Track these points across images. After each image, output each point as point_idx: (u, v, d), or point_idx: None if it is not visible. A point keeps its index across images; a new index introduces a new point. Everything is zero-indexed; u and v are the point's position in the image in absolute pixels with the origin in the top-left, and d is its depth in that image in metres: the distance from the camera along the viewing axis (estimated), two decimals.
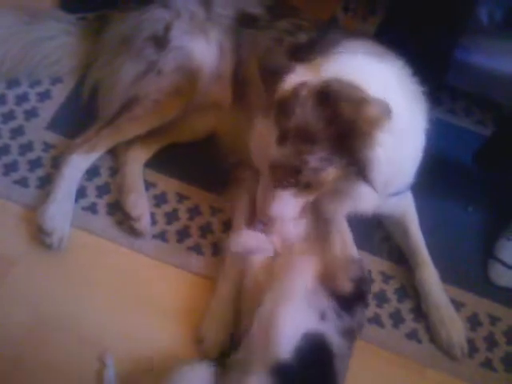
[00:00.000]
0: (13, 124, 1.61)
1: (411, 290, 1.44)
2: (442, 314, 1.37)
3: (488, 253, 1.51)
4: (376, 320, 1.40)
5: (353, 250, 1.34)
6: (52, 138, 1.60)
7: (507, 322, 1.43)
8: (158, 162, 1.57)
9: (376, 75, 1.10)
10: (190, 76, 1.47)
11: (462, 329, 1.37)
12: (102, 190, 1.53)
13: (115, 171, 1.54)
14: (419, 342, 1.38)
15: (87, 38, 1.64)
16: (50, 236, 1.39)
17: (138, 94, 1.46)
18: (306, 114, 1.04)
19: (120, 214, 1.47)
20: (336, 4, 1.75)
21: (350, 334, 1.20)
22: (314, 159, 1.05)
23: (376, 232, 1.53)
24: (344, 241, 1.32)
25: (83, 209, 1.49)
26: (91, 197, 1.51)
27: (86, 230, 1.46)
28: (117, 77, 1.49)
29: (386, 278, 1.47)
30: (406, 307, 1.43)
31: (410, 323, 1.41)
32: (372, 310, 1.41)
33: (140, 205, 1.46)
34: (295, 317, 1.16)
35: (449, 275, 1.43)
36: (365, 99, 1.01)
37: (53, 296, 1.37)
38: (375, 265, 1.48)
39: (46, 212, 1.40)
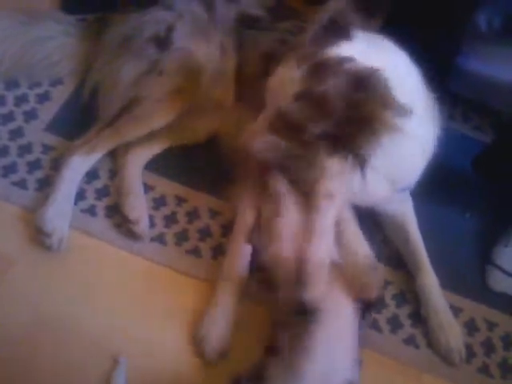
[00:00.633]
0: (12, 125, 1.61)
1: (410, 296, 1.44)
2: (440, 320, 1.37)
3: (486, 259, 1.52)
4: (374, 325, 1.40)
5: (367, 251, 1.27)
6: (51, 139, 1.59)
7: (504, 327, 1.44)
8: (157, 165, 1.57)
9: (408, 74, 1.15)
10: (191, 77, 1.47)
11: (461, 334, 1.37)
12: (101, 193, 1.52)
13: (114, 174, 1.54)
14: (417, 347, 1.38)
15: (87, 40, 1.64)
16: (50, 237, 1.39)
17: (139, 94, 1.46)
18: (336, 88, 1.03)
19: (119, 217, 1.47)
20: None
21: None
22: (315, 129, 1.05)
23: (374, 237, 1.53)
24: (360, 243, 1.26)
25: (82, 211, 1.48)
26: (90, 199, 1.51)
27: (84, 232, 1.46)
28: (117, 77, 1.49)
29: (385, 283, 1.46)
30: (404, 312, 1.43)
31: (407, 329, 1.41)
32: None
33: (138, 208, 1.46)
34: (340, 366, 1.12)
35: (446, 281, 1.43)
36: (392, 106, 1.03)
37: (52, 297, 1.36)
38: None
39: (46, 213, 1.40)
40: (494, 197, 1.61)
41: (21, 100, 1.65)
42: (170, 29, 1.49)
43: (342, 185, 1.15)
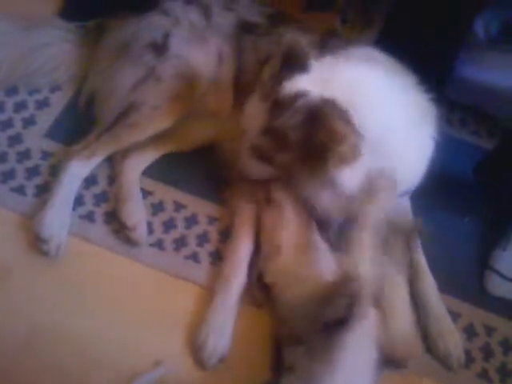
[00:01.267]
0: (11, 132, 1.61)
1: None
2: (440, 325, 1.37)
3: (484, 263, 1.51)
4: None
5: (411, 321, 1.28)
6: (50, 145, 1.59)
7: (503, 332, 1.43)
8: (155, 171, 1.58)
9: (378, 88, 1.21)
10: (188, 83, 1.48)
11: (460, 340, 1.37)
12: (100, 199, 1.53)
13: (113, 180, 1.54)
14: None
15: (85, 46, 1.65)
16: (48, 243, 1.39)
17: (137, 100, 1.47)
18: (291, 122, 1.16)
19: (117, 223, 1.47)
20: (334, 16, 1.77)
21: None
22: (282, 158, 1.21)
23: None
24: (405, 308, 1.28)
25: (80, 217, 1.48)
26: (89, 205, 1.51)
27: (83, 239, 1.46)
28: (115, 83, 1.50)
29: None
30: None
31: None
32: None
33: (136, 214, 1.46)
34: None
35: (445, 285, 1.43)
36: (341, 138, 1.12)
37: (49, 304, 1.36)
38: None
39: (44, 219, 1.40)
40: (492, 201, 1.61)
41: (20, 106, 1.66)
42: (166, 35, 1.50)
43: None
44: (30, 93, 1.68)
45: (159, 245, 1.47)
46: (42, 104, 1.67)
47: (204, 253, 1.47)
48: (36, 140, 1.60)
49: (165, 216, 1.52)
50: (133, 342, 1.33)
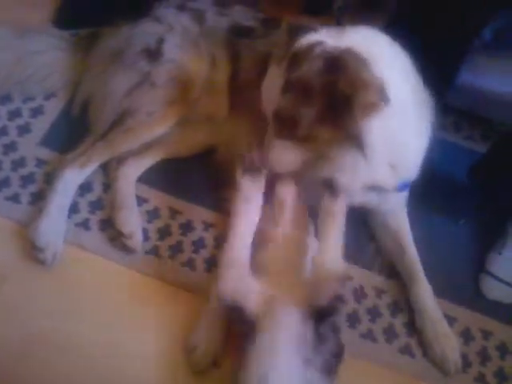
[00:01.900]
0: (5, 140, 1.61)
1: (404, 305, 1.44)
2: (436, 330, 1.37)
3: (480, 266, 1.52)
4: (369, 335, 1.40)
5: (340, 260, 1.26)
6: (45, 153, 1.59)
7: (499, 336, 1.43)
8: (150, 177, 1.58)
9: (391, 56, 1.16)
10: (183, 88, 1.48)
11: (456, 345, 1.37)
12: (95, 206, 1.52)
13: (108, 187, 1.54)
14: (412, 356, 1.38)
15: (79, 53, 1.65)
16: (44, 252, 1.39)
17: (132, 106, 1.47)
18: (311, 70, 1.08)
19: (112, 230, 1.47)
20: (331, 20, 1.77)
21: (329, 367, 1.13)
22: (308, 114, 1.09)
23: (368, 245, 1.54)
24: (335, 248, 1.25)
25: (76, 225, 1.48)
26: (84, 212, 1.51)
27: (78, 246, 1.46)
28: (109, 90, 1.50)
29: (379, 292, 1.47)
30: (399, 322, 1.43)
31: (403, 338, 1.41)
32: (365, 325, 1.42)
33: (131, 221, 1.46)
34: (285, 372, 1.10)
35: (440, 289, 1.43)
36: (366, 83, 1.06)
37: (44, 312, 1.36)
38: (368, 279, 1.48)
39: (39, 227, 1.39)
40: (487, 204, 1.61)
41: (14, 114, 1.66)
42: (160, 41, 1.50)
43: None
44: (25, 101, 1.68)
45: (155, 252, 1.47)
46: (37, 112, 1.67)
47: (200, 259, 1.47)
48: (31, 148, 1.61)
49: (160, 223, 1.52)
50: (129, 348, 1.32)
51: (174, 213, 1.54)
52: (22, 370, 1.28)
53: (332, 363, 1.15)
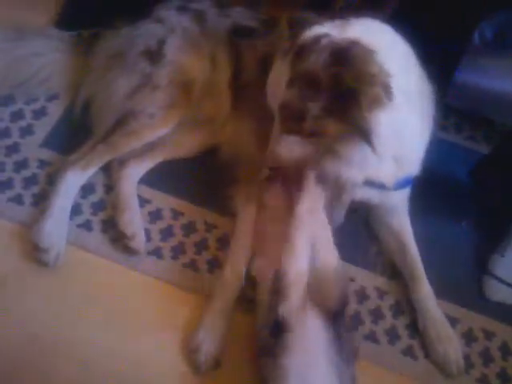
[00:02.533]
0: (8, 141, 1.61)
1: (406, 306, 1.44)
2: (438, 331, 1.36)
3: (482, 268, 1.51)
4: (371, 337, 1.40)
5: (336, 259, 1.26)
6: (47, 155, 1.60)
7: (502, 337, 1.43)
8: (152, 178, 1.58)
9: (397, 48, 1.16)
10: (184, 90, 1.49)
11: (459, 346, 1.37)
12: (97, 207, 1.53)
13: (110, 188, 1.54)
14: (415, 358, 1.38)
15: (80, 55, 1.65)
16: (47, 253, 1.39)
17: (134, 108, 1.47)
18: (317, 62, 1.07)
19: (115, 232, 1.47)
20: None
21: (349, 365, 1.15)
22: (315, 107, 1.08)
23: (370, 246, 1.53)
24: (328, 250, 1.25)
25: (78, 226, 1.49)
26: (86, 214, 1.51)
27: (81, 247, 1.46)
28: (110, 91, 1.50)
29: (381, 293, 1.47)
30: (401, 323, 1.43)
31: (405, 339, 1.40)
32: (367, 326, 1.41)
33: (134, 223, 1.46)
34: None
35: (443, 290, 1.43)
36: (374, 77, 1.05)
37: (47, 313, 1.36)
38: (370, 280, 1.48)
39: (42, 229, 1.40)
40: (489, 205, 1.61)
41: (17, 116, 1.66)
42: (161, 42, 1.50)
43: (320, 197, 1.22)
44: (27, 102, 1.69)
45: (157, 253, 1.47)
46: (39, 113, 1.68)
47: (202, 260, 1.47)
48: (33, 149, 1.61)
49: (162, 224, 1.52)
50: (130, 348, 1.33)
51: (176, 214, 1.54)
52: (22, 370, 1.28)
53: (350, 363, 1.16)
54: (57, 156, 1.59)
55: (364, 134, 1.09)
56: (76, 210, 1.50)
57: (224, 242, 1.48)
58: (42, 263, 1.40)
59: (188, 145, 1.60)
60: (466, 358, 1.38)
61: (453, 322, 1.41)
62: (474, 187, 1.59)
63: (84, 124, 1.58)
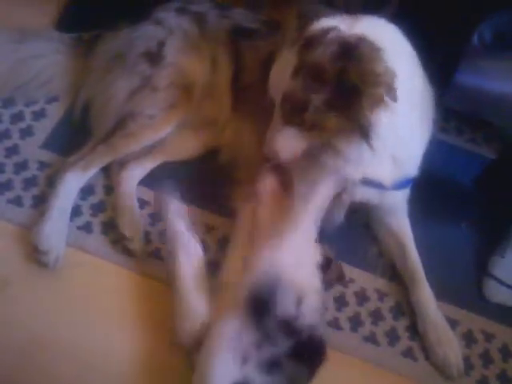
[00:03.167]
0: (8, 143, 1.61)
1: (406, 308, 1.44)
2: (439, 334, 1.36)
3: (482, 269, 1.51)
4: (371, 338, 1.40)
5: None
6: (47, 156, 1.60)
7: (502, 338, 1.43)
8: (152, 180, 1.58)
9: (401, 47, 1.17)
10: (184, 91, 1.49)
11: (459, 349, 1.36)
12: (97, 209, 1.53)
13: (110, 189, 1.54)
14: (415, 360, 1.38)
15: (80, 57, 1.65)
16: (46, 255, 1.39)
17: (133, 110, 1.47)
18: (324, 54, 1.07)
19: (114, 233, 1.47)
20: None
21: (276, 366, 1.13)
22: (318, 99, 1.08)
23: (370, 248, 1.53)
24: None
25: (78, 228, 1.48)
26: (86, 215, 1.51)
27: (80, 249, 1.46)
28: (110, 93, 1.50)
29: (381, 295, 1.47)
30: (401, 325, 1.42)
31: (405, 341, 1.40)
32: (367, 328, 1.41)
33: (134, 225, 1.46)
34: (220, 371, 1.12)
35: (443, 292, 1.43)
36: (379, 77, 1.05)
37: (47, 315, 1.36)
38: (370, 282, 1.48)
39: (42, 231, 1.39)
40: (489, 207, 1.61)
41: (17, 118, 1.66)
42: (161, 44, 1.51)
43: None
44: (27, 104, 1.69)
45: (157, 254, 1.47)
46: (39, 115, 1.68)
47: None
48: (33, 151, 1.61)
49: (162, 226, 1.51)
50: (132, 352, 1.32)
51: None
52: (23, 372, 1.28)
53: (280, 360, 1.14)
54: (57, 157, 1.59)
55: (363, 132, 1.09)
56: (76, 212, 1.50)
57: (223, 244, 1.47)
58: (41, 265, 1.40)
59: (188, 146, 1.60)
60: (466, 359, 1.38)
61: (453, 323, 1.41)
62: (474, 189, 1.58)
63: (84, 126, 1.58)
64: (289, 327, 1.13)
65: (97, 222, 1.50)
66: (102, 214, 1.52)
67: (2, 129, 1.64)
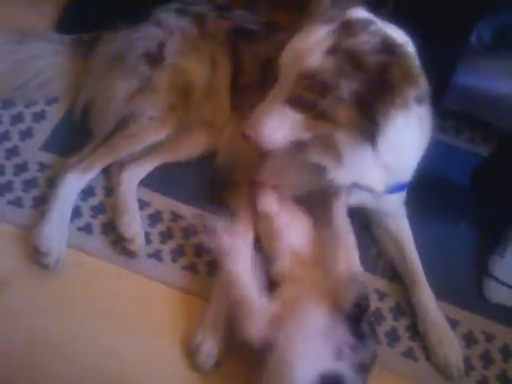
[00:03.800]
0: (8, 144, 1.62)
1: (406, 308, 1.44)
2: (439, 335, 1.36)
3: (482, 269, 1.51)
4: None
5: (356, 264, 1.29)
6: (47, 158, 1.60)
7: (502, 339, 1.43)
8: (152, 181, 1.58)
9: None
10: (183, 93, 1.49)
11: (459, 349, 1.36)
12: (97, 210, 1.53)
13: (110, 191, 1.54)
14: (415, 360, 1.38)
15: (79, 58, 1.65)
16: (47, 256, 1.39)
17: (133, 111, 1.48)
18: (368, 43, 1.04)
19: (115, 234, 1.47)
20: None
21: (364, 368, 1.16)
22: (346, 86, 1.03)
23: (371, 248, 1.53)
24: (348, 255, 1.27)
25: (78, 229, 1.49)
26: (86, 216, 1.51)
27: (81, 250, 1.46)
28: (110, 95, 1.51)
29: (382, 295, 1.46)
30: (401, 325, 1.42)
31: (405, 341, 1.40)
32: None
33: (133, 225, 1.45)
34: (310, 357, 1.13)
35: (443, 292, 1.42)
36: (417, 80, 1.05)
37: (48, 316, 1.36)
38: (370, 282, 1.47)
39: (42, 233, 1.40)
40: (488, 206, 1.61)
41: (17, 119, 1.67)
42: (161, 45, 1.51)
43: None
44: (27, 105, 1.69)
45: (157, 255, 1.47)
46: (39, 116, 1.68)
47: (202, 263, 1.47)
48: (33, 152, 1.61)
49: (162, 227, 1.52)
50: (131, 351, 1.33)
51: (175, 216, 1.54)
52: (23, 372, 1.28)
53: (367, 363, 1.18)
54: (57, 159, 1.59)
55: (373, 131, 1.06)
56: (76, 213, 1.50)
57: None
58: (42, 266, 1.40)
59: (188, 147, 1.60)
60: (467, 360, 1.37)
61: (453, 324, 1.41)
62: (473, 189, 1.58)
63: (84, 127, 1.58)
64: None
65: (97, 223, 1.50)
66: (102, 215, 1.52)
67: (2, 130, 1.64)
